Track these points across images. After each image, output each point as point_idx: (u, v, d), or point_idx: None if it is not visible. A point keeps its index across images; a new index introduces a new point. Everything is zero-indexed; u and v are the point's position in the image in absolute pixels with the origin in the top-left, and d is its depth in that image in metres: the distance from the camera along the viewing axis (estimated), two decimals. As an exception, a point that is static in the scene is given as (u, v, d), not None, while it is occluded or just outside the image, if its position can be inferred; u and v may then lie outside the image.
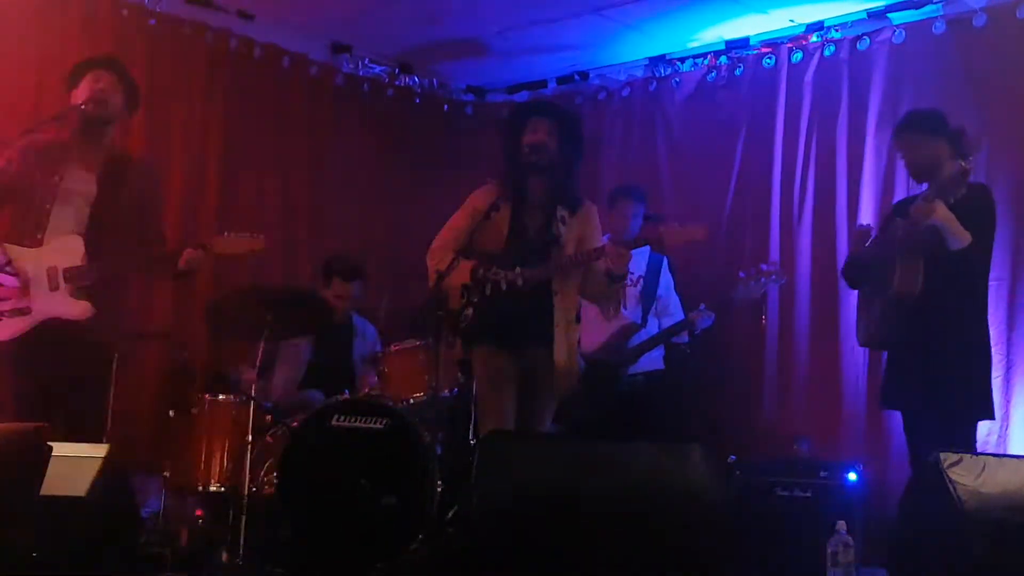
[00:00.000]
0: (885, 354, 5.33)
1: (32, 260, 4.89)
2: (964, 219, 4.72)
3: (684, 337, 6.23)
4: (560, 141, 5.10)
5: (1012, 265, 5.94)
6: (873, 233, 5.42)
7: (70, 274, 4.88)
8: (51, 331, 4.87)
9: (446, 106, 8.29)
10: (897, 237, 4.87)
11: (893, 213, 5.34)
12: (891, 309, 4.92)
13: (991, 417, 5.04)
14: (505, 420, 4.99)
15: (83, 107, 5.02)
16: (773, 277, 6.01)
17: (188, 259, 4.99)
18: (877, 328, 5.05)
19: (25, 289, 4.85)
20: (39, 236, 4.92)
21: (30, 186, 4.97)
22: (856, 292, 5.45)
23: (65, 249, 4.91)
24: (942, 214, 4.69)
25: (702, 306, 6.14)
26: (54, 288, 4.87)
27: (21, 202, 4.99)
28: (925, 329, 4.83)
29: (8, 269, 4.86)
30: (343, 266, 6.53)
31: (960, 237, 4.70)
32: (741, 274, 5.98)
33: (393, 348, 5.95)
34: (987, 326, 5.05)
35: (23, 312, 4.86)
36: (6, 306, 4.85)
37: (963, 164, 4.68)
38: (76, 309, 4.90)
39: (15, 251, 4.89)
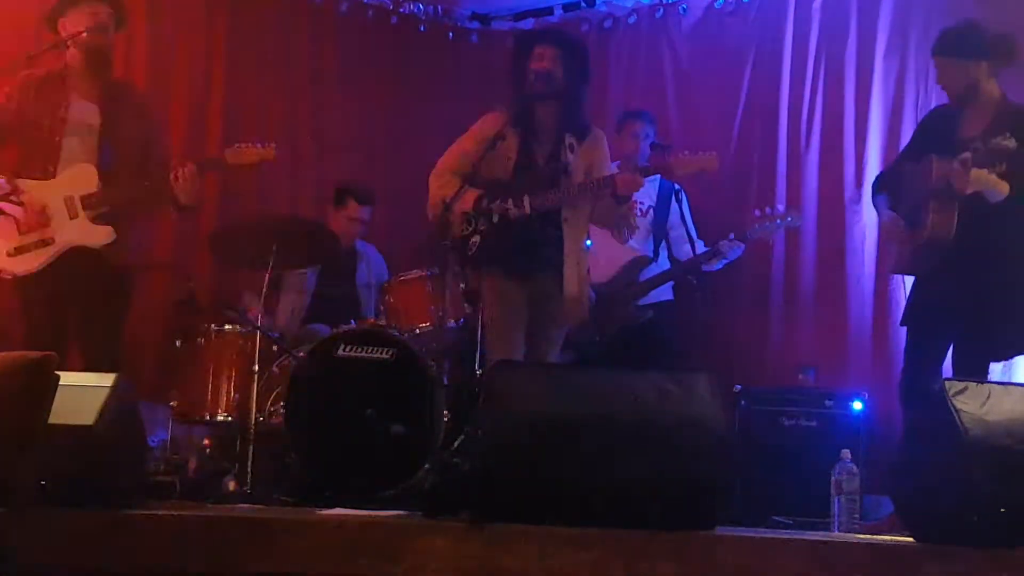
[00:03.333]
0: (912, 279, 5.24)
1: (49, 192, 4.94)
2: (1014, 159, 4.59)
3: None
4: (566, 68, 5.07)
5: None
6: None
7: (88, 201, 4.95)
8: (72, 260, 4.95)
9: (451, 34, 8.19)
10: (932, 176, 4.72)
11: (925, 131, 5.18)
12: (924, 248, 4.83)
13: (1006, 357, 5.01)
14: (514, 347, 4.99)
15: (85, 35, 5.01)
16: (789, 219, 5.98)
17: (180, 181, 5.01)
18: (911, 257, 4.96)
19: (46, 220, 4.90)
20: (51, 169, 4.98)
21: (35, 120, 5.01)
22: (872, 216, 5.34)
23: (79, 178, 4.97)
24: (979, 179, 4.58)
25: (731, 235, 6.09)
26: (74, 216, 4.95)
27: (29, 137, 5.02)
28: (956, 265, 4.73)
29: (13, 199, 4.87)
30: (359, 189, 6.54)
31: (999, 190, 4.59)
32: (756, 212, 5.95)
33: (399, 278, 5.95)
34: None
35: (47, 243, 4.93)
36: (29, 239, 4.91)
37: (1007, 141, 4.55)
38: (98, 234, 4.98)
39: (30, 185, 4.94)
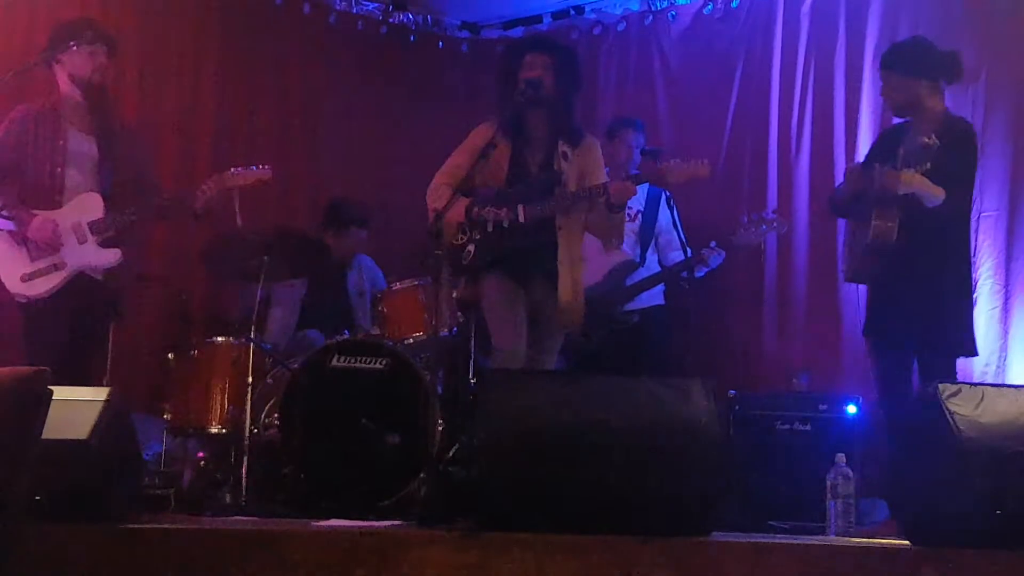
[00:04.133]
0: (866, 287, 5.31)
1: (58, 220, 5.12)
2: (941, 162, 4.71)
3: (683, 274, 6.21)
4: (557, 76, 5.07)
5: (1010, 197, 5.93)
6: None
7: (95, 227, 5.15)
8: (79, 283, 5.14)
9: (441, 43, 8.21)
10: (874, 184, 4.84)
11: (878, 142, 5.30)
12: (870, 251, 4.93)
13: (973, 354, 5.05)
14: (518, 336, 4.97)
15: (91, 80, 5.22)
16: (775, 225, 6.01)
17: (203, 195, 5.24)
18: (860, 264, 5.06)
19: (56, 246, 5.09)
20: (57, 198, 5.16)
21: (35, 154, 5.18)
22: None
23: (85, 206, 5.18)
24: (910, 181, 4.70)
25: (712, 243, 6.11)
26: (83, 241, 5.14)
27: (31, 170, 5.18)
28: (902, 271, 4.84)
29: (4, 213, 5.04)
30: (357, 213, 6.56)
31: (934, 195, 4.72)
32: (743, 218, 5.97)
33: (392, 287, 5.95)
34: (967, 264, 5.04)
35: (58, 268, 5.11)
36: (41, 264, 5.09)
37: (929, 140, 4.68)
38: (106, 257, 5.19)
39: (39, 214, 5.10)
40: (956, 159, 4.80)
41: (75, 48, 5.17)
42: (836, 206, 5.41)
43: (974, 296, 5.47)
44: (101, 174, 5.23)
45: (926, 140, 4.70)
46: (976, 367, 5.66)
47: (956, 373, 4.96)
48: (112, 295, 5.28)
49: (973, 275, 5.33)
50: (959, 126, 4.96)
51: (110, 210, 5.16)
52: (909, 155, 4.80)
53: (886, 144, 5.13)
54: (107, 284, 5.22)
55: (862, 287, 5.19)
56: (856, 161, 6.30)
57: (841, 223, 6.38)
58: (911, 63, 4.98)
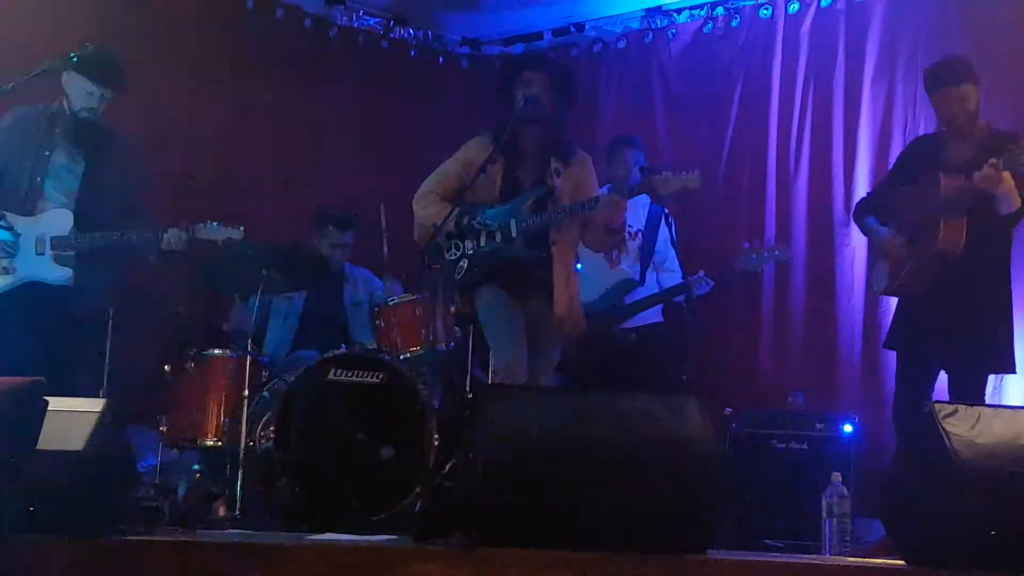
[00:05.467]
0: (895, 300, 5.27)
1: (25, 227, 5.09)
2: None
3: (680, 297, 6.22)
4: (554, 95, 5.09)
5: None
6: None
7: (56, 242, 5.11)
8: (30, 294, 5.09)
9: (441, 58, 8.23)
10: (940, 192, 4.78)
11: (913, 152, 5.26)
12: (928, 263, 4.89)
13: (1011, 371, 5.02)
14: (518, 346, 4.97)
15: (80, 113, 5.21)
16: (776, 253, 6.00)
17: (169, 240, 5.18)
18: (911, 277, 4.98)
19: (12, 251, 5.06)
20: (30, 207, 5.13)
21: (22, 157, 5.17)
22: (861, 239, 5.39)
23: (55, 220, 5.14)
24: (1008, 184, 4.67)
25: (701, 272, 6.12)
26: (40, 253, 5.09)
27: (13, 175, 5.16)
28: (960, 284, 4.80)
29: None
30: (337, 214, 6.54)
31: (1013, 202, 4.70)
32: (745, 245, 5.97)
33: (390, 302, 5.95)
34: (1008, 279, 5.00)
35: (6, 271, 5.08)
36: None
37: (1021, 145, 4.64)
38: (56, 274, 5.12)
39: (11, 218, 5.08)
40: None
41: (79, 82, 5.19)
42: (863, 216, 5.31)
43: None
44: (80, 194, 5.21)
45: (1016, 147, 4.65)
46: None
47: (985, 391, 4.94)
48: (74, 312, 5.18)
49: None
50: (1002, 137, 4.90)
51: (78, 231, 5.12)
52: (1014, 155, 4.67)
53: (924, 159, 5.06)
54: (67, 299, 5.14)
55: (860, 302, 5.18)
56: (854, 179, 6.35)
57: (838, 238, 6.41)
58: (964, 72, 4.96)
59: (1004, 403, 5.61)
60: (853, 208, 5.55)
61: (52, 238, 5.10)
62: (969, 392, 4.53)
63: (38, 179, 5.15)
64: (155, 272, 5.93)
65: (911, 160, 5.20)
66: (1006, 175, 4.67)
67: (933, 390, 4.94)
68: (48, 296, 5.12)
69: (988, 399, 5.62)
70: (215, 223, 5.28)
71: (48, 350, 4.98)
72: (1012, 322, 4.97)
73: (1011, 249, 5.01)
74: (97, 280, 5.23)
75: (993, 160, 4.67)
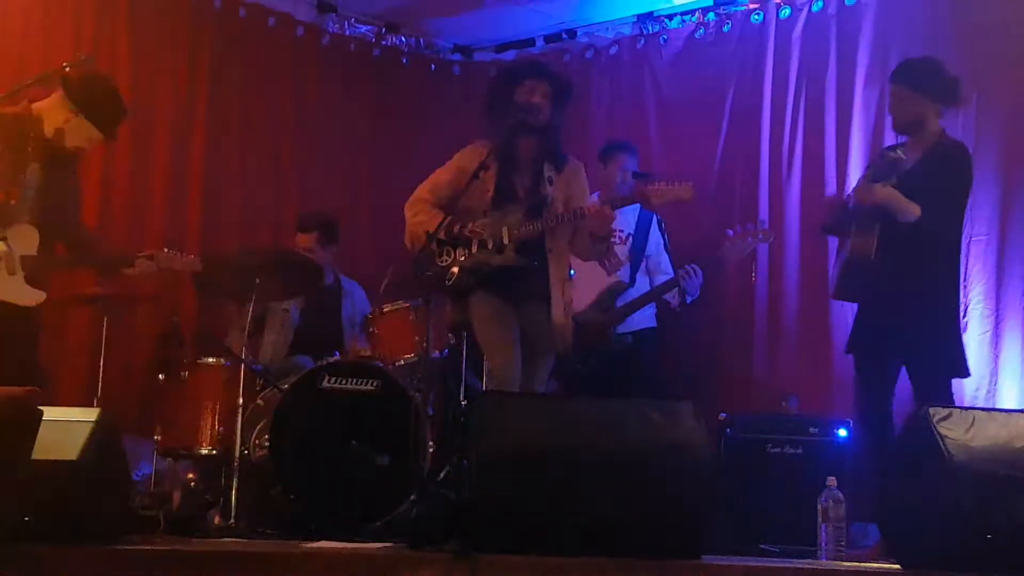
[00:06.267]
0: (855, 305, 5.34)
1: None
2: (924, 179, 4.77)
3: (674, 297, 6.22)
4: (553, 105, 5.11)
5: (1000, 221, 5.95)
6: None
7: (26, 262, 4.92)
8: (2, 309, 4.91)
9: (433, 66, 8.23)
10: (854, 200, 4.95)
11: (876, 161, 5.32)
12: (850, 267, 5.00)
13: (965, 375, 5.07)
14: (512, 352, 4.98)
15: (50, 139, 5.00)
16: (760, 236, 6.01)
17: (140, 268, 5.09)
18: (842, 280, 5.12)
19: None
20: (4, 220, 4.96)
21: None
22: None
23: (23, 237, 4.94)
24: (882, 195, 4.79)
25: (689, 266, 6.13)
26: (11, 272, 4.90)
27: None
28: (886, 288, 4.88)
29: None
30: (302, 216, 6.57)
31: (908, 211, 4.77)
32: (729, 232, 5.98)
33: (382, 309, 5.95)
34: (956, 287, 5.10)
35: None
36: None
37: (897, 153, 4.84)
38: (28, 296, 4.94)
39: None
40: (943, 177, 4.86)
41: (55, 110, 4.99)
42: (826, 224, 5.48)
43: (964, 320, 5.50)
44: (43, 208, 4.98)
45: (894, 154, 4.82)
46: (967, 391, 5.67)
47: (952, 393, 4.97)
48: (32, 317, 5.03)
49: (963, 298, 5.36)
50: (953, 147, 5.01)
51: (43, 250, 4.97)
52: (879, 169, 4.89)
53: (878, 164, 5.15)
54: (26, 311, 4.97)
55: (852, 306, 5.22)
56: (847, 183, 6.37)
57: (832, 244, 6.41)
58: (923, 81, 5.02)
59: (997, 406, 5.64)
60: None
61: (22, 257, 4.90)
62: (931, 397, 4.55)
63: (12, 202, 4.91)
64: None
65: (872, 165, 5.29)
66: (878, 188, 4.79)
67: (893, 393, 4.99)
68: (21, 309, 4.93)
69: (983, 403, 5.66)
70: (174, 252, 5.21)
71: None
72: (958, 328, 5.10)
73: (954, 254, 5.06)
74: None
75: (866, 173, 4.88)
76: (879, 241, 4.83)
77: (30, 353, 5.07)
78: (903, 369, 4.98)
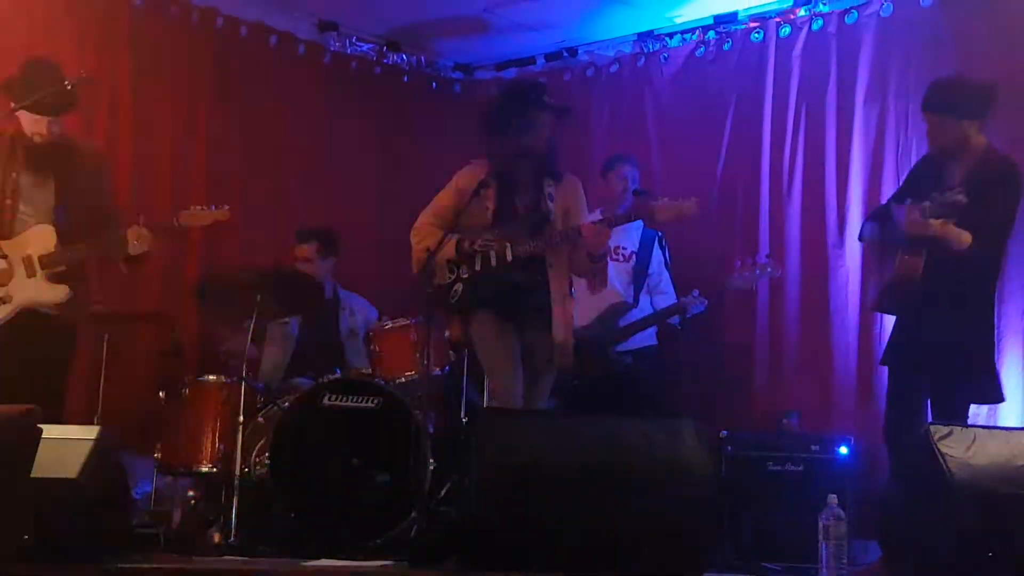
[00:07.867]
0: (891, 320, 5.29)
1: (8, 252, 4.97)
2: (978, 206, 4.64)
3: (675, 319, 6.23)
4: (553, 131, 5.14)
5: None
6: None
7: (45, 261, 4.97)
8: (27, 318, 4.96)
9: (434, 84, 8.26)
10: (905, 220, 4.82)
11: (916, 175, 5.26)
12: (894, 288, 4.94)
13: (992, 400, 5.04)
14: (513, 370, 4.99)
15: (34, 139, 5.03)
16: (769, 270, 6.02)
17: (133, 241, 5.02)
18: (884, 296, 5.07)
19: (6, 279, 4.94)
20: (6, 231, 4.99)
21: None
22: (855, 260, 5.41)
23: (38, 238, 5.00)
24: (937, 230, 4.68)
25: (695, 292, 6.14)
26: (31, 275, 4.96)
27: None
28: (924, 306, 4.83)
29: None
30: (301, 229, 6.55)
31: (959, 241, 4.69)
32: (737, 263, 5.99)
33: (384, 326, 5.95)
34: (992, 310, 5.02)
35: (3, 300, 4.95)
36: None
37: (958, 197, 4.61)
38: (54, 293, 4.99)
39: None
40: (993, 202, 4.75)
41: (18, 112, 5.00)
42: (863, 235, 5.41)
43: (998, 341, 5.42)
44: (57, 208, 5.04)
45: (954, 197, 4.63)
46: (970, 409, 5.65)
47: (968, 417, 4.93)
48: (66, 331, 5.10)
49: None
50: (1001, 165, 4.90)
51: (62, 244, 4.98)
52: (940, 207, 4.69)
53: (927, 178, 5.04)
54: (60, 319, 5.03)
55: (854, 324, 5.20)
56: (847, 201, 6.37)
57: (833, 259, 6.42)
58: (957, 105, 4.90)
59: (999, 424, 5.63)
60: (857, 226, 5.57)
61: (39, 257, 4.96)
62: (946, 418, 4.52)
63: (7, 201, 4.99)
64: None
65: (918, 176, 5.19)
66: (936, 224, 4.66)
67: (925, 410, 4.95)
68: (41, 320, 4.98)
69: (985, 421, 5.65)
70: (197, 207, 5.20)
71: (33, 375, 4.89)
72: (991, 350, 4.98)
73: (992, 280, 5.01)
74: (83, 294, 5.12)
75: (923, 205, 4.70)
76: (926, 263, 4.77)
77: (59, 375, 5.10)
78: None
